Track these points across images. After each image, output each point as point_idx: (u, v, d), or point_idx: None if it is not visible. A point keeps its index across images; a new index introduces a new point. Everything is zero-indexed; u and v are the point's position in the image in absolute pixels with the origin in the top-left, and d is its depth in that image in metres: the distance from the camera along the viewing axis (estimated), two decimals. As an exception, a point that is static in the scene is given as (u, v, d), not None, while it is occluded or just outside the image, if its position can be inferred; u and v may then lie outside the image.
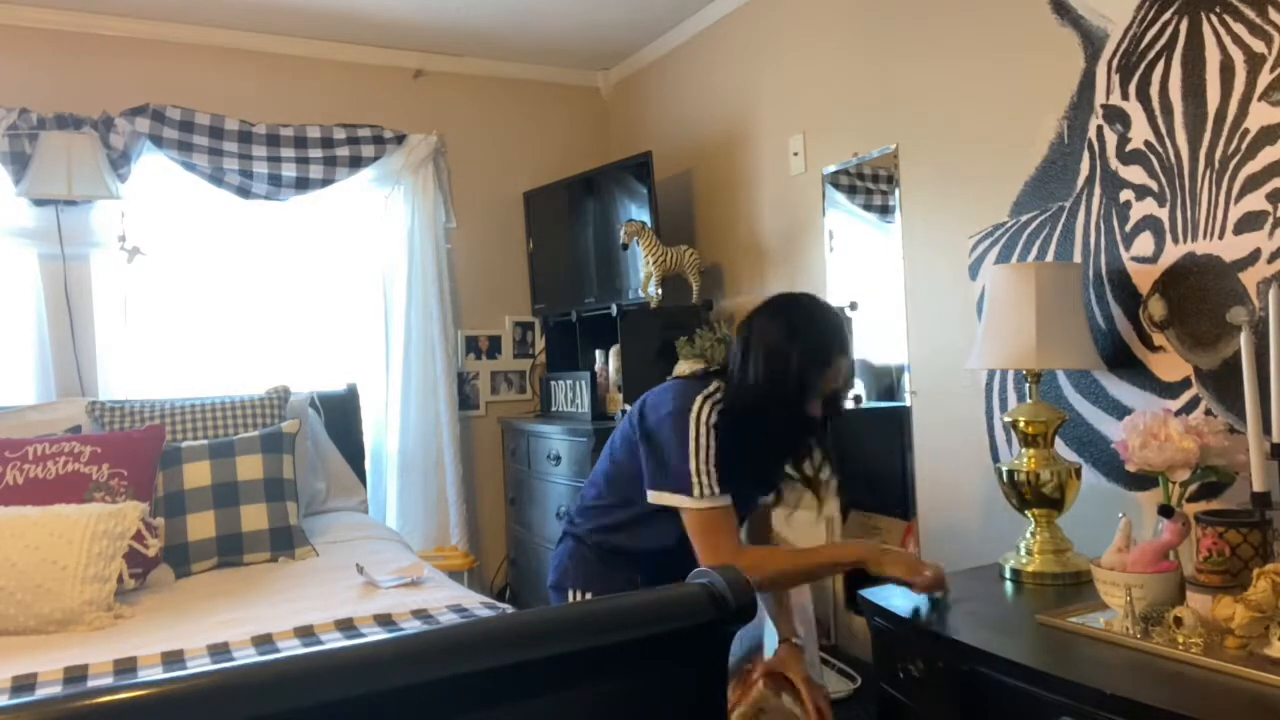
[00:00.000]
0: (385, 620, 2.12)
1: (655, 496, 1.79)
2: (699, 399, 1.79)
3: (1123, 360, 2.04)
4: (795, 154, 3.10)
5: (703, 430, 1.76)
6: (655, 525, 1.82)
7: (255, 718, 0.89)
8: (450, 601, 2.23)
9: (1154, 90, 1.95)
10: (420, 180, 3.80)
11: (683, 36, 3.71)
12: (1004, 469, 2.00)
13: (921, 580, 1.75)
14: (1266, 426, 1.57)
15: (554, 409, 3.74)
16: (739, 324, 1.90)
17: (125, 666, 1.88)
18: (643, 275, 3.31)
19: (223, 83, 3.53)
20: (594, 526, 1.93)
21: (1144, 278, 1.98)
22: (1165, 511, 1.61)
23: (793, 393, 1.77)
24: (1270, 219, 1.74)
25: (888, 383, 2.79)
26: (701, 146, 3.64)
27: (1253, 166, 1.77)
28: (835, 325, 1.84)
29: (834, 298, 2.95)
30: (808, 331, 1.79)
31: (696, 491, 1.73)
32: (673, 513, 1.77)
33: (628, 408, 3.26)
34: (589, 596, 1.87)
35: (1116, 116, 2.04)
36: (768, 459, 1.90)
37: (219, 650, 1.96)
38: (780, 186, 3.21)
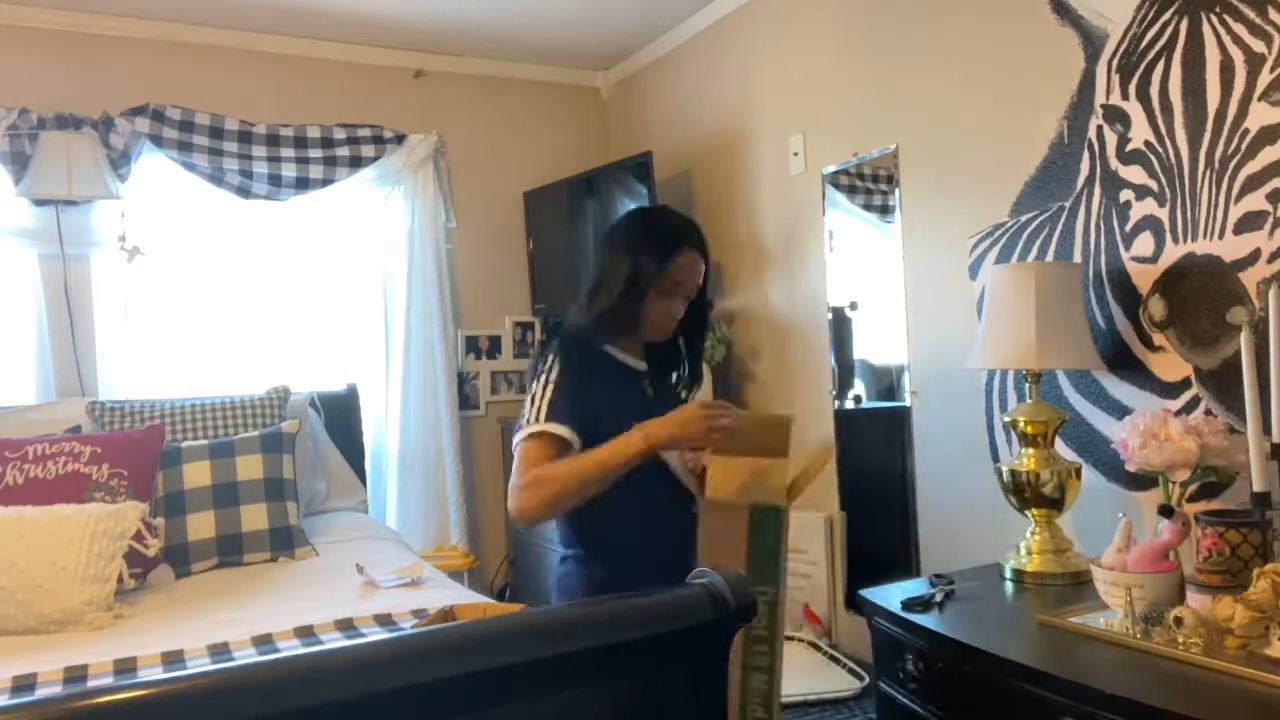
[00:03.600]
0: (385, 620, 2.12)
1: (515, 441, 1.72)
2: (554, 339, 1.77)
3: (1123, 360, 2.04)
4: (795, 154, 3.10)
5: (546, 364, 1.71)
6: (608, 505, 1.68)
7: (255, 718, 0.89)
8: (450, 602, 2.23)
9: (1154, 90, 1.95)
10: (420, 180, 3.80)
11: (683, 36, 3.71)
12: (1004, 469, 2.00)
13: (699, 430, 1.57)
14: (1266, 426, 1.57)
15: (554, 409, 3.74)
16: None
17: (125, 666, 1.89)
18: (643, 275, 3.31)
19: (223, 83, 3.53)
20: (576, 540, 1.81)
21: (1144, 278, 1.98)
22: (1165, 511, 1.61)
23: (624, 292, 1.72)
24: (1270, 219, 1.74)
25: (888, 383, 2.79)
26: (701, 146, 3.64)
27: (1253, 166, 1.77)
28: (679, 223, 1.80)
29: (834, 298, 2.95)
30: (651, 230, 1.78)
31: (526, 418, 1.67)
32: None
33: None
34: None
35: (1116, 116, 2.04)
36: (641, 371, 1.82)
37: (219, 650, 1.96)
38: (780, 186, 3.21)
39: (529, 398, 1.70)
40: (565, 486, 1.60)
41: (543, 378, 1.70)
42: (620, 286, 1.73)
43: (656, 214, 1.91)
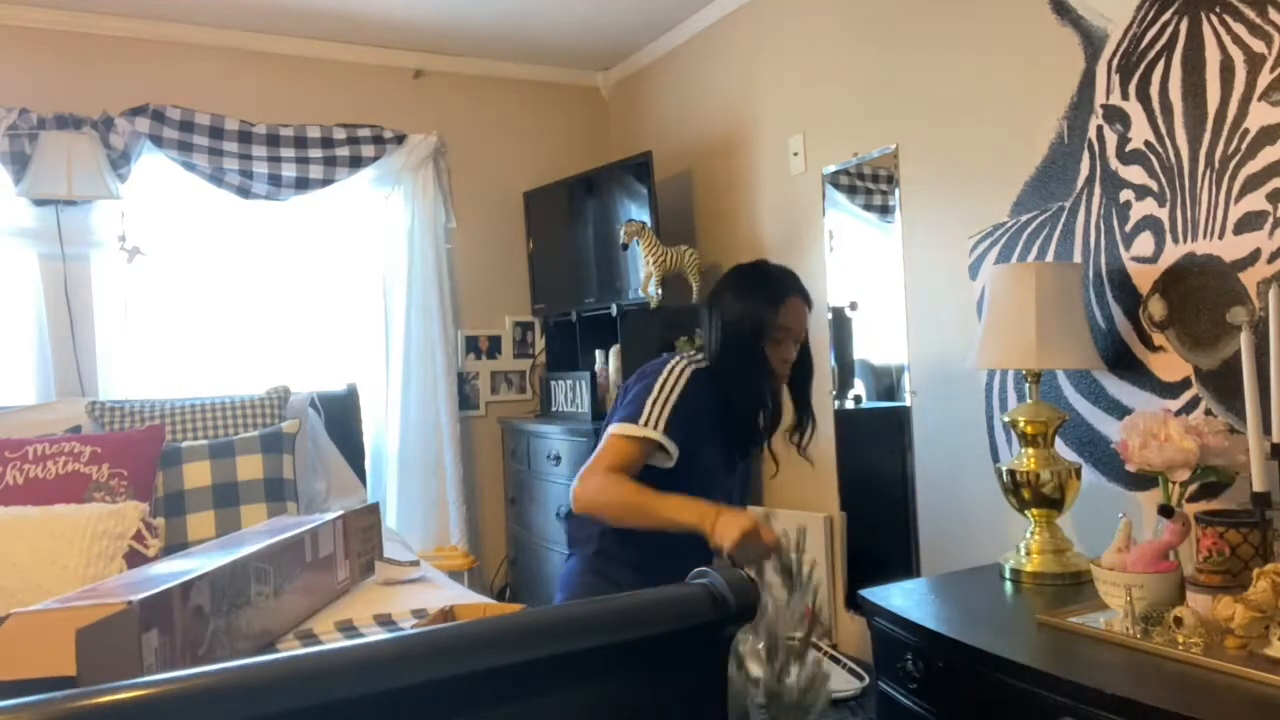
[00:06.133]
0: (385, 620, 2.12)
1: (609, 430, 1.80)
2: (679, 358, 1.89)
3: (1123, 360, 2.04)
4: (795, 154, 3.10)
5: (673, 378, 1.82)
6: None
7: (255, 718, 0.89)
8: (450, 602, 2.22)
9: (1154, 90, 1.95)
10: (420, 180, 3.80)
11: (683, 36, 3.71)
12: (1004, 469, 1.99)
13: (746, 549, 1.59)
14: (1266, 426, 1.57)
15: (554, 409, 3.74)
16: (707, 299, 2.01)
17: (125, 666, 1.88)
18: (643, 275, 3.31)
19: (223, 83, 3.53)
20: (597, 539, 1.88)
21: (1144, 278, 1.98)
22: (1165, 511, 1.61)
23: (749, 343, 1.86)
24: (1270, 219, 1.74)
25: (888, 383, 2.79)
26: (701, 146, 3.64)
27: (1253, 166, 1.77)
28: (781, 274, 1.95)
29: (834, 298, 2.95)
30: (758, 281, 1.91)
31: (641, 419, 1.76)
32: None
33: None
34: None
35: (1116, 116, 2.04)
36: (744, 417, 1.92)
37: (219, 650, 1.96)
38: (780, 186, 3.21)
39: (651, 396, 1.79)
40: (626, 509, 1.71)
41: (671, 385, 1.81)
42: (737, 337, 1.86)
43: (758, 267, 2.00)
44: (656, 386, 1.81)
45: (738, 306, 1.87)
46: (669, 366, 1.86)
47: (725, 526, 1.58)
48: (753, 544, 1.56)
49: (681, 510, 1.65)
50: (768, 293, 1.88)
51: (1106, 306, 2.08)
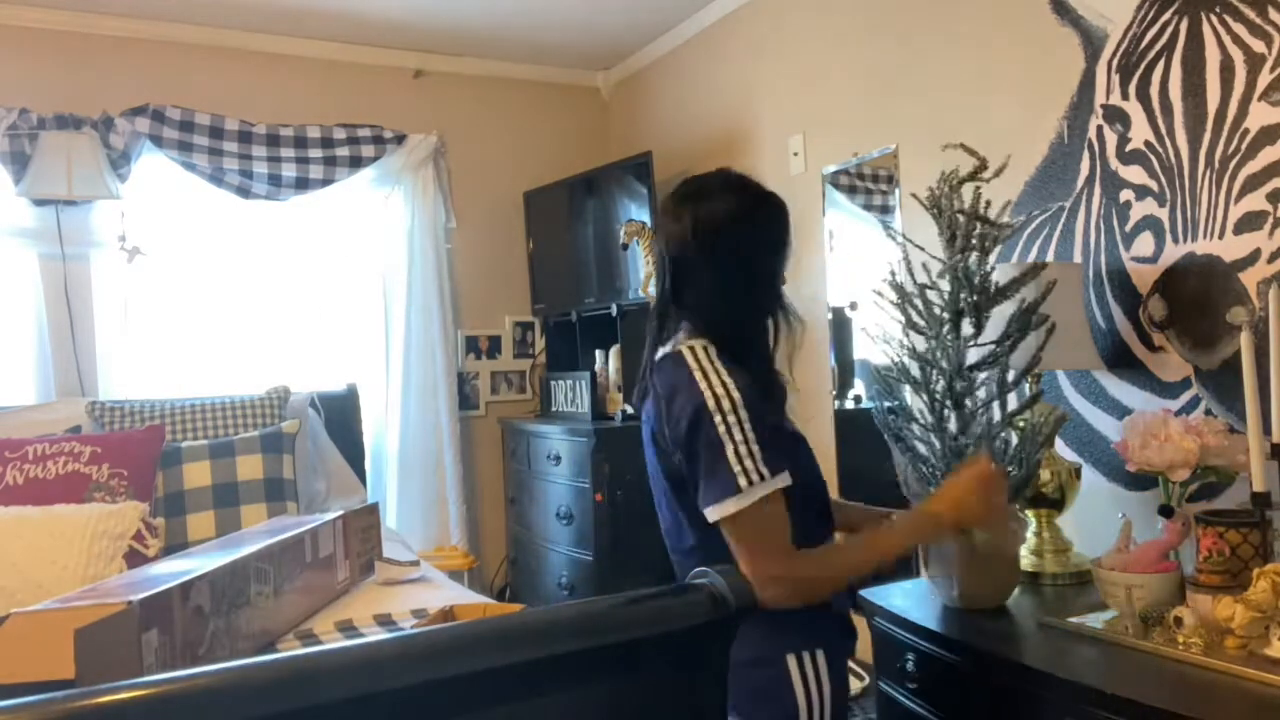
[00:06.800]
0: (385, 620, 2.12)
1: (715, 512, 1.30)
2: (695, 368, 1.35)
3: (1123, 360, 2.04)
4: (795, 154, 3.10)
5: (716, 386, 1.32)
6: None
7: (255, 718, 0.89)
8: (450, 602, 2.23)
9: (1154, 90, 1.95)
10: (420, 180, 3.81)
11: (683, 36, 3.71)
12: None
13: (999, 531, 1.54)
14: (1266, 426, 1.57)
15: (554, 409, 3.74)
16: (659, 228, 1.49)
17: (125, 666, 1.88)
18: (643, 275, 3.31)
19: (223, 83, 3.53)
20: None
21: (1144, 278, 1.98)
22: (1165, 511, 1.61)
23: (768, 283, 1.45)
24: (1270, 219, 1.74)
25: (888, 383, 2.78)
26: (701, 146, 3.64)
27: (1253, 166, 1.77)
28: (777, 199, 1.51)
29: (834, 298, 2.95)
30: (765, 216, 1.46)
31: (743, 481, 1.28)
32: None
33: (628, 408, 3.27)
34: (819, 654, 1.40)
35: (1116, 116, 2.04)
36: (773, 373, 1.50)
37: (219, 650, 1.96)
38: (780, 186, 3.15)
39: (722, 437, 1.29)
40: (835, 585, 1.39)
41: (725, 401, 1.31)
42: (764, 283, 1.46)
43: (746, 190, 1.48)
44: (720, 430, 1.30)
45: (754, 244, 1.43)
46: (706, 391, 1.32)
47: (966, 513, 1.44)
48: (998, 505, 1.47)
49: (906, 539, 1.45)
50: (779, 228, 1.47)
51: (1106, 306, 2.08)
